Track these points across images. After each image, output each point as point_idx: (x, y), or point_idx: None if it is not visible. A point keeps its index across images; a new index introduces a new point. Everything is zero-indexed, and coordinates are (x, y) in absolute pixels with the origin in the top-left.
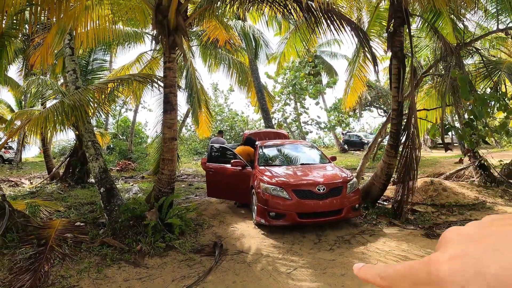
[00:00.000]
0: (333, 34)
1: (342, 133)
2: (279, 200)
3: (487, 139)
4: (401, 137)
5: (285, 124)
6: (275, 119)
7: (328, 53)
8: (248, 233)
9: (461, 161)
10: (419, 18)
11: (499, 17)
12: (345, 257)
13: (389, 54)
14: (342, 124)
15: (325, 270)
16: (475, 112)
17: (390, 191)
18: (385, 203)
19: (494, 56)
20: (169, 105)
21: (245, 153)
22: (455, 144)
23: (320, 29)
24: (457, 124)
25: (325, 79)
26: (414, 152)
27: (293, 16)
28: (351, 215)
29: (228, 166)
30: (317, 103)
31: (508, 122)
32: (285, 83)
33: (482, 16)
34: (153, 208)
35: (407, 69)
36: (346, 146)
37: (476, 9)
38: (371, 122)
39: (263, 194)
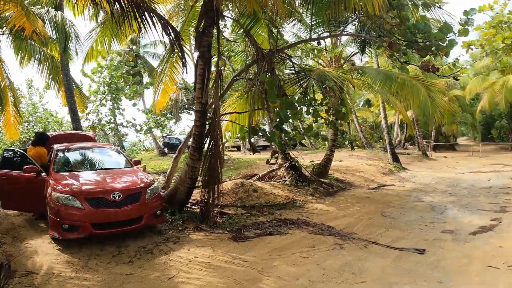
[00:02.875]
0: (141, 29)
1: (162, 136)
2: (72, 210)
3: (304, 141)
4: (205, 140)
5: (100, 126)
6: (89, 120)
7: (151, 54)
8: (41, 250)
9: (268, 162)
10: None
11: (316, 29)
12: (145, 269)
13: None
14: (159, 127)
15: (120, 287)
16: (281, 115)
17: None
18: (194, 207)
19: (307, 65)
20: None
21: (37, 155)
22: (272, 147)
23: (129, 24)
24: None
25: (147, 80)
26: (218, 154)
27: (97, 5)
28: (154, 222)
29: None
30: (134, 105)
31: (318, 125)
32: (101, 82)
33: (301, 28)
34: None
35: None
36: (166, 149)
37: (295, 20)
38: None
39: (55, 204)
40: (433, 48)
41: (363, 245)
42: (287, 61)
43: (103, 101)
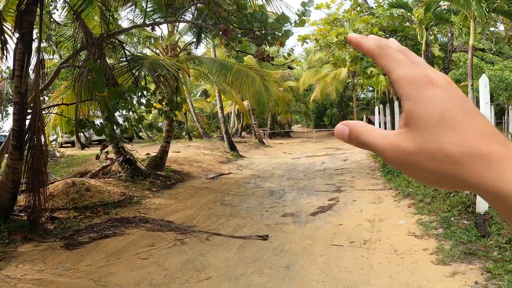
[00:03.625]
0: None
1: None
2: None
3: (141, 133)
4: (26, 136)
5: None
6: None
7: None
8: None
9: (98, 158)
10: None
11: (154, 15)
12: None
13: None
14: None
15: None
16: (109, 106)
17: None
18: (22, 214)
19: (141, 53)
20: None
21: None
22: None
23: None
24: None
25: None
26: (41, 152)
27: None
28: None
29: None
30: None
31: (155, 116)
32: None
33: (139, 14)
34: None
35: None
36: None
37: (132, 5)
38: None
39: None
40: (269, 37)
41: (204, 237)
42: (121, 48)
43: None
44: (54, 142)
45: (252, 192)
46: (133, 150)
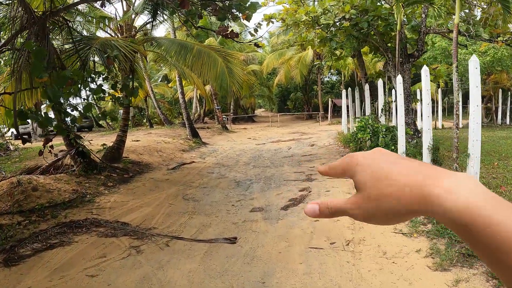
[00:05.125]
0: None
1: None
2: None
3: (101, 122)
4: None
5: None
6: None
7: None
8: None
9: (41, 153)
10: None
11: None
12: None
13: None
14: None
15: None
16: (49, 94)
17: None
18: None
19: (91, 34)
20: None
21: None
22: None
23: None
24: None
25: None
26: None
27: None
28: None
29: None
30: None
31: (108, 104)
32: None
33: None
34: None
35: None
36: None
37: None
38: None
39: None
40: (233, 10)
41: (164, 243)
42: (67, 28)
43: None
44: (9, 135)
45: (216, 183)
46: (88, 140)
